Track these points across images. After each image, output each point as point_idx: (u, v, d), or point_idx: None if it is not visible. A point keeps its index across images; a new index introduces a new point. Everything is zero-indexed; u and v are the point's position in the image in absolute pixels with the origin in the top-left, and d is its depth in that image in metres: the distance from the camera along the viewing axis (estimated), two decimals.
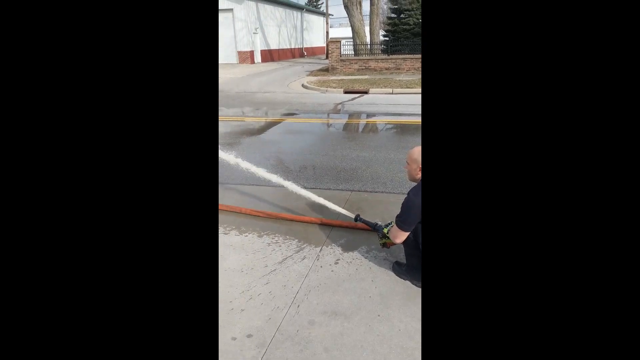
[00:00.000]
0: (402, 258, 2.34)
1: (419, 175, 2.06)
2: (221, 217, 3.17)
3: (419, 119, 7.07)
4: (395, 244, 2.22)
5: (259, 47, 23.23)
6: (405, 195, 2.03)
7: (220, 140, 5.93)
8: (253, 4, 21.61)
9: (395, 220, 2.09)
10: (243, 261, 2.53)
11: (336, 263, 2.48)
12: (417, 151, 2.08)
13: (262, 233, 2.90)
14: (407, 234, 2.06)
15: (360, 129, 7.13)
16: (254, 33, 22.17)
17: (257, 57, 22.99)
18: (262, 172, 2.91)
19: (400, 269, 2.31)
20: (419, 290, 2.20)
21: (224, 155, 2.85)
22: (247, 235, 2.86)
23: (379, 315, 1.99)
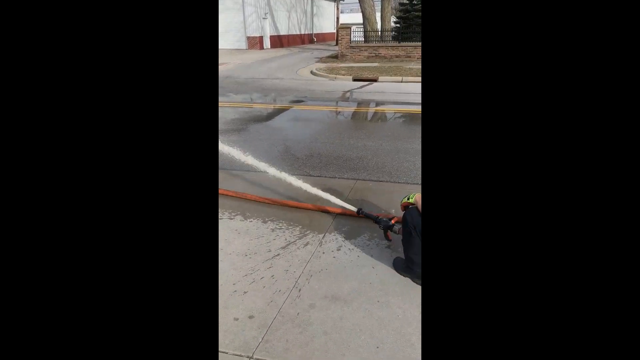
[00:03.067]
0: (401, 252, 2.36)
1: None
2: (227, 202, 3.22)
3: None
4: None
5: (268, 32, 23.00)
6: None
7: (227, 127, 5.99)
8: None
9: None
10: (247, 246, 2.59)
11: (338, 250, 2.53)
12: None
13: (267, 219, 2.95)
14: None
15: (369, 118, 7.10)
16: (263, 18, 21.92)
17: (267, 43, 22.77)
18: (263, 165, 2.87)
19: (400, 265, 2.31)
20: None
21: (224, 147, 2.78)
22: (252, 221, 2.92)
23: (378, 301, 2.03)
